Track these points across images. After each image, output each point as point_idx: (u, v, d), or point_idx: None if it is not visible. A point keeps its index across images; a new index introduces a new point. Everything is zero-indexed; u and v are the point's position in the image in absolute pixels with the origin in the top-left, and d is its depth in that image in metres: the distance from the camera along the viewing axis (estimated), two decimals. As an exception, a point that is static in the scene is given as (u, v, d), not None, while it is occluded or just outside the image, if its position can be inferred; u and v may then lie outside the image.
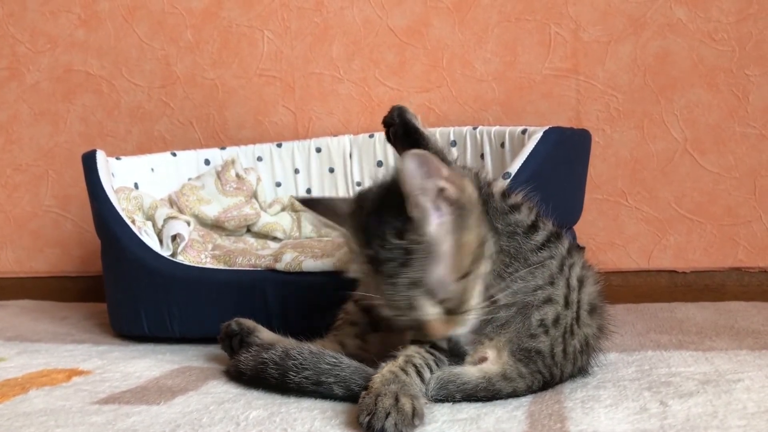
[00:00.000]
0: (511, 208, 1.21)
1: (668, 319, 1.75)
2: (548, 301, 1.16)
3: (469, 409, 1.10)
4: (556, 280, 1.18)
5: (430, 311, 1.09)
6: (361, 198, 1.18)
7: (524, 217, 1.21)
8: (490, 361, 1.15)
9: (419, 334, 1.13)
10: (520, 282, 1.16)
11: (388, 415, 1.00)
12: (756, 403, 1.08)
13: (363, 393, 1.07)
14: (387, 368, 1.10)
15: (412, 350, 1.14)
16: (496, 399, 1.13)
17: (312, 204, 1.25)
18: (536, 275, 1.17)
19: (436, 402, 1.13)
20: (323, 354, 1.19)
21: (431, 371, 1.13)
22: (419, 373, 1.11)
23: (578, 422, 1.03)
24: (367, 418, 1.01)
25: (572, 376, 1.22)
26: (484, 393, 1.13)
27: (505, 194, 1.24)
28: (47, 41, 2.40)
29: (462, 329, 1.12)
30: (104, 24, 2.36)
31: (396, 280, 1.07)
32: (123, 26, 2.35)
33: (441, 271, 1.07)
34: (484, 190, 1.20)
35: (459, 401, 1.13)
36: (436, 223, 1.07)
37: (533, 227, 1.21)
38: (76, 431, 1.07)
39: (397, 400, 1.02)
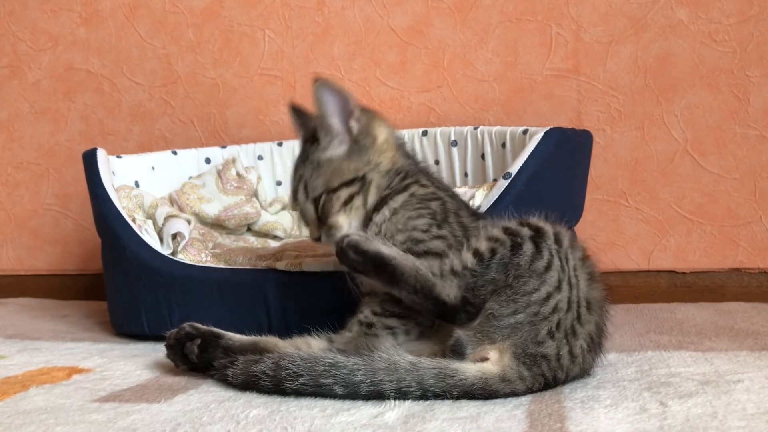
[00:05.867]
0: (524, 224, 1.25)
1: (668, 319, 1.75)
2: (556, 310, 1.17)
3: (469, 407, 1.10)
4: (562, 282, 1.19)
5: (309, 207, 1.39)
6: None
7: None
8: (491, 362, 1.15)
9: (313, 233, 1.42)
10: (531, 292, 1.17)
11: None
12: (755, 404, 1.08)
13: None
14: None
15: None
16: (494, 398, 1.13)
17: (299, 113, 1.52)
18: (545, 281, 1.17)
19: (436, 398, 1.13)
20: (317, 358, 1.18)
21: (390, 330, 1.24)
22: (369, 326, 1.25)
23: (578, 422, 1.03)
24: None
25: (576, 378, 1.22)
26: (481, 392, 1.13)
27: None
28: (48, 39, 2.40)
29: (327, 238, 1.37)
30: (105, 22, 2.36)
31: (295, 175, 1.43)
32: (124, 25, 2.35)
33: (318, 181, 1.38)
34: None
35: (457, 398, 1.13)
36: (333, 148, 1.38)
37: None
38: (76, 429, 1.07)
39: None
